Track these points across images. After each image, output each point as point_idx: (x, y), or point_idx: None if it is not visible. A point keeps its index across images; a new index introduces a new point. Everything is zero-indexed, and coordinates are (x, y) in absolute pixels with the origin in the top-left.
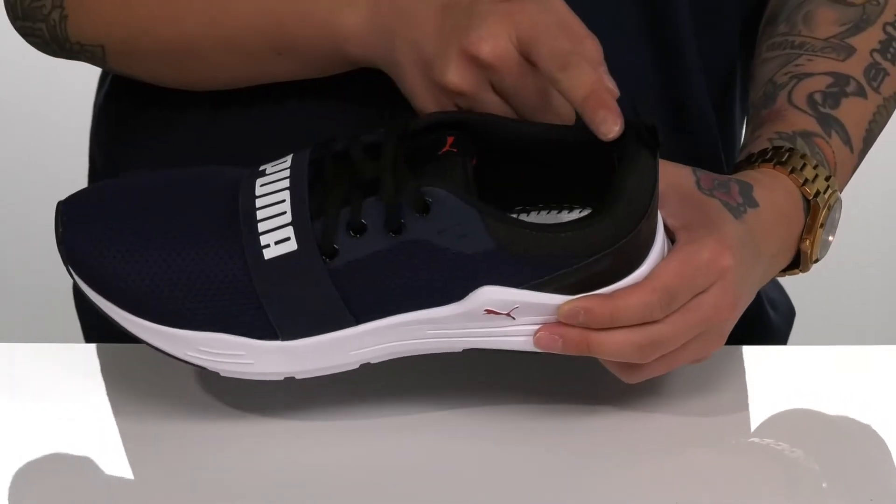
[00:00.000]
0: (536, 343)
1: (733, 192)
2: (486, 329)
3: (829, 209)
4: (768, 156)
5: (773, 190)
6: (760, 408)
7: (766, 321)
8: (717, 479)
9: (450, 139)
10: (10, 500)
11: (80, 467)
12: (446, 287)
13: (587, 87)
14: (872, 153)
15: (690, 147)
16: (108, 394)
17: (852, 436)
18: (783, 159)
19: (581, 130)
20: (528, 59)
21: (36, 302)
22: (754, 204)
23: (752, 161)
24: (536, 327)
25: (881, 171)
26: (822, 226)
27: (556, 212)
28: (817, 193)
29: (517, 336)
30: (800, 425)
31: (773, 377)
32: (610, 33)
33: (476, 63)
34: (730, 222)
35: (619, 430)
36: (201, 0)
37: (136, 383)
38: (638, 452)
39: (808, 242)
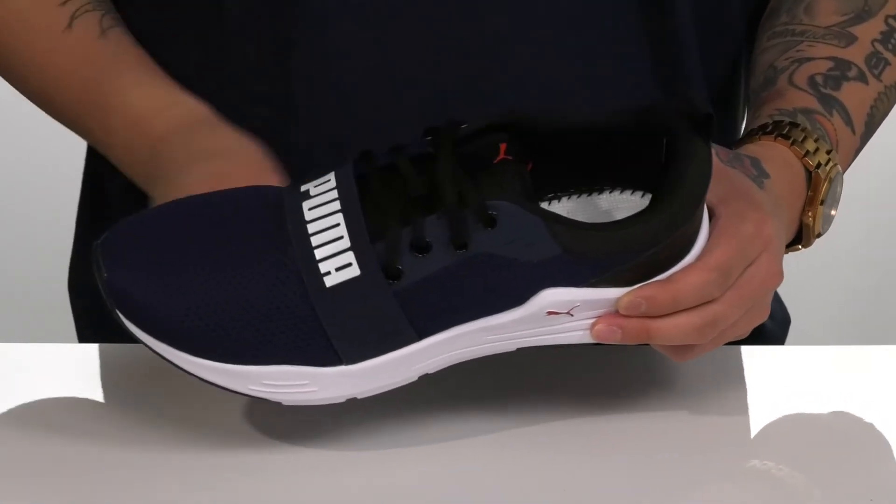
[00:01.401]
0: (596, 336)
1: (746, 165)
2: (544, 328)
3: (830, 182)
4: (769, 129)
5: (776, 161)
6: (760, 408)
7: (762, 329)
8: (717, 480)
9: (503, 146)
10: (3, 500)
11: (75, 468)
12: (510, 294)
13: None
14: (868, 154)
15: None
16: (107, 395)
17: (852, 436)
18: (784, 132)
19: (631, 118)
20: None
21: (32, 302)
22: (766, 175)
23: (752, 135)
24: (593, 321)
25: (879, 173)
26: (822, 200)
27: (586, 195)
28: (818, 165)
29: (573, 331)
30: (799, 425)
31: (772, 377)
32: (608, 41)
33: None
34: (758, 192)
35: (618, 430)
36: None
37: (136, 383)
38: (637, 453)
39: (810, 215)
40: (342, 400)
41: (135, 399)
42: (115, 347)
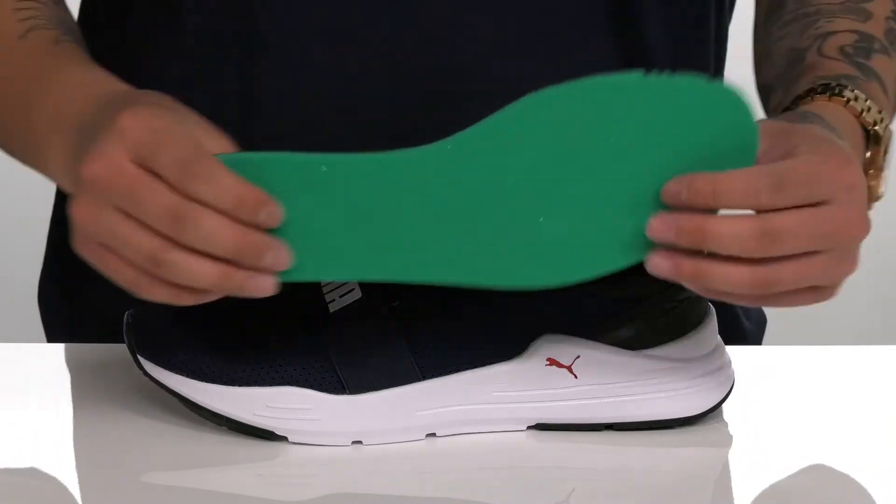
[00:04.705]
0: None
1: (816, 125)
2: (550, 391)
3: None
4: (819, 90)
5: (836, 120)
6: (757, 408)
7: (741, 329)
8: (713, 479)
9: None
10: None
11: (64, 467)
12: (507, 326)
13: (232, 199)
14: None
15: None
16: (94, 394)
17: (850, 436)
18: (836, 92)
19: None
20: (152, 171)
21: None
22: (834, 131)
23: (803, 99)
24: (599, 387)
25: None
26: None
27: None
28: (875, 123)
29: (583, 399)
30: (797, 425)
31: (771, 377)
32: (577, 40)
33: (90, 186)
34: (839, 140)
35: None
36: None
37: (119, 383)
38: (624, 451)
39: (871, 174)
40: (347, 442)
41: (118, 399)
42: (97, 347)
